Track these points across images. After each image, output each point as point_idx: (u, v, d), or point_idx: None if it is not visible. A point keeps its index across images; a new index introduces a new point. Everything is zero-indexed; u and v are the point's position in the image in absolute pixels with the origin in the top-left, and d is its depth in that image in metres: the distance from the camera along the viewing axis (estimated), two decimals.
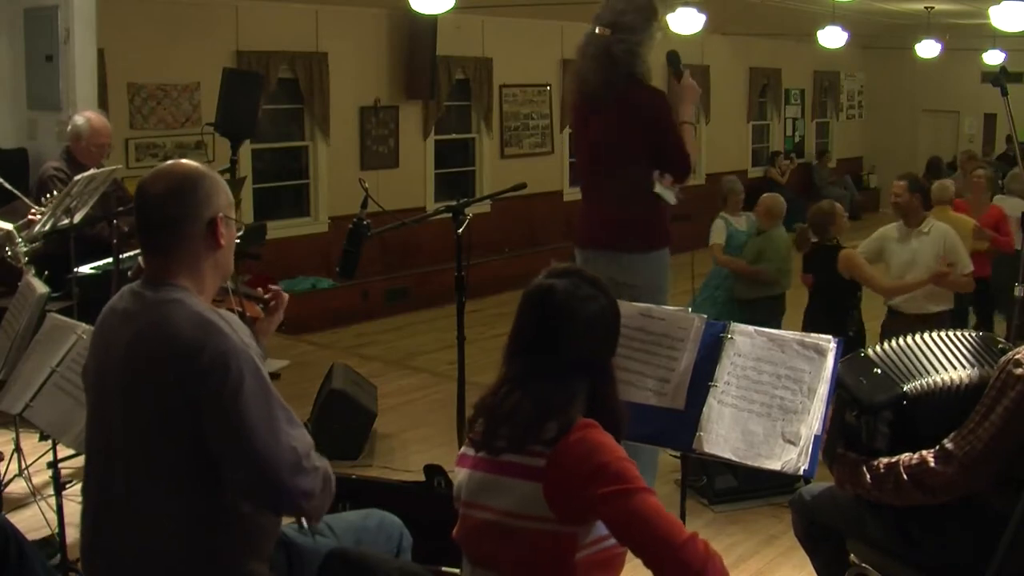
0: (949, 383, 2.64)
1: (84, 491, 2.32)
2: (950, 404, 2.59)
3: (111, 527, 2.20)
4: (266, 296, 2.75)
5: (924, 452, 2.53)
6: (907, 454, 2.57)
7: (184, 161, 2.32)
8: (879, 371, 2.72)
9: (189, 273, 2.21)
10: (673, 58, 4.29)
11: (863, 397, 2.67)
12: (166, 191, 2.21)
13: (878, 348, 2.83)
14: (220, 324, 2.13)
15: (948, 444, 2.48)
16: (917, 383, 2.66)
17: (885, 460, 2.62)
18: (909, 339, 2.81)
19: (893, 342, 2.82)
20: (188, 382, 2.07)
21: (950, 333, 2.82)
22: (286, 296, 2.77)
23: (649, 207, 4.24)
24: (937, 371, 2.68)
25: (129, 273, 4.34)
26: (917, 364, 2.72)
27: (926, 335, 2.81)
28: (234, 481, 2.12)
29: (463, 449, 2.24)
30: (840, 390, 2.73)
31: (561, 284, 2.18)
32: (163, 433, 2.11)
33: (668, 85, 4.34)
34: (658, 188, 4.21)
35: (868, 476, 2.63)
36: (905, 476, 2.54)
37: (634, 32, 4.16)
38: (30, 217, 4.74)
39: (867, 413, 2.66)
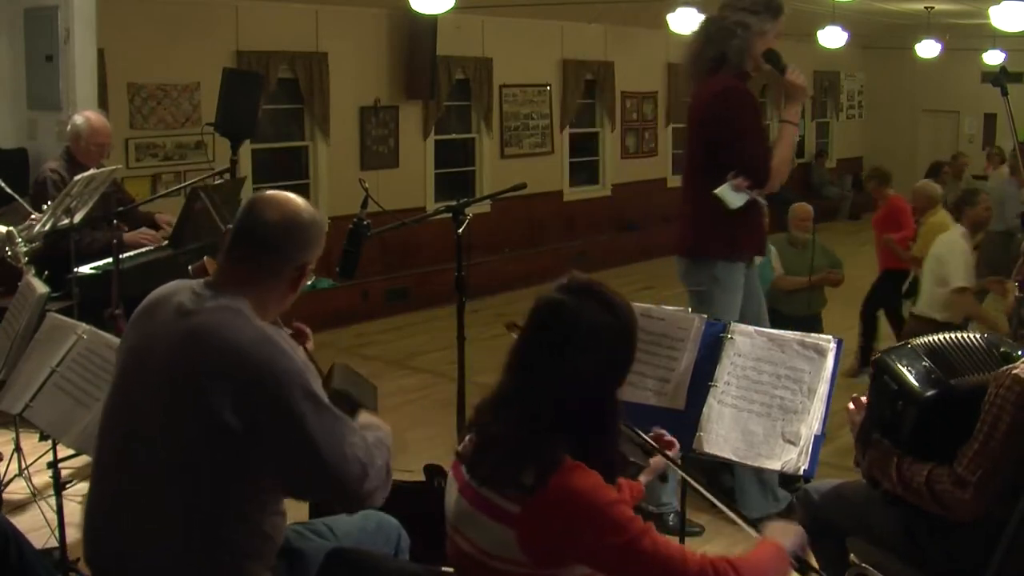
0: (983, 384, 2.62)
1: (95, 475, 2.30)
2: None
3: (121, 516, 2.20)
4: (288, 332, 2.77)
5: (946, 471, 2.51)
6: (934, 464, 2.55)
7: (303, 201, 2.35)
8: (926, 364, 2.68)
9: (257, 298, 2.22)
10: (771, 56, 3.96)
11: (912, 388, 2.63)
12: (279, 219, 2.26)
13: (923, 340, 2.78)
14: (280, 342, 2.15)
15: (960, 469, 2.46)
16: (962, 379, 2.63)
17: (914, 463, 2.60)
18: (952, 336, 2.78)
19: (936, 337, 2.78)
20: (246, 396, 2.07)
21: (977, 335, 2.80)
22: (308, 333, 2.80)
23: (702, 210, 4.01)
24: (979, 371, 2.66)
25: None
26: (961, 361, 2.69)
27: (965, 335, 2.79)
28: (305, 493, 2.23)
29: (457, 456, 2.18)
30: (885, 377, 2.70)
31: (570, 301, 2.04)
32: (197, 437, 2.09)
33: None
34: (719, 189, 3.88)
35: (896, 471, 2.62)
36: (926, 488, 2.53)
37: (736, 11, 3.92)
38: (30, 222, 4.75)
39: (913, 404, 2.62)
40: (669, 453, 2.43)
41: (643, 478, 2.47)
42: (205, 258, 4.50)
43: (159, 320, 2.22)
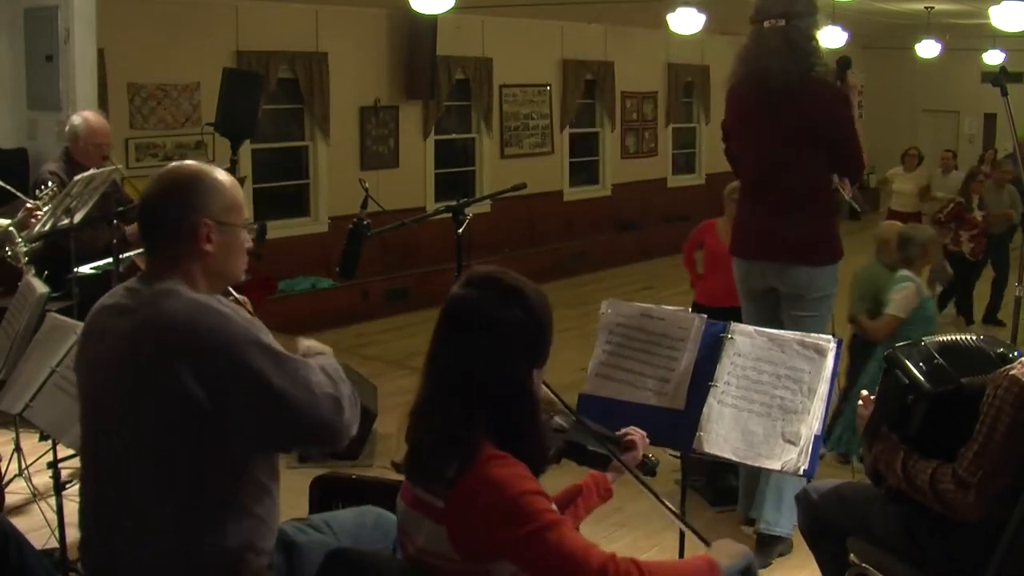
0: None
1: (81, 484, 2.33)
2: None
3: (103, 517, 2.22)
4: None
5: (950, 471, 2.51)
6: (939, 462, 2.56)
7: (186, 164, 2.33)
8: (938, 361, 2.68)
9: (182, 271, 2.22)
10: (844, 63, 4.13)
11: (922, 383, 2.63)
12: (158, 191, 2.26)
13: (935, 339, 2.79)
14: (217, 306, 2.16)
15: (960, 471, 2.47)
16: (972, 379, 2.62)
17: (919, 460, 2.60)
18: (964, 336, 2.79)
19: (948, 336, 2.79)
20: (205, 368, 2.07)
21: (981, 336, 2.81)
22: (246, 301, 2.80)
23: (817, 215, 4.11)
24: (989, 371, 2.66)
25: (121, 269, 4.36)
26: (973, 360, 2.68)
27: (975, 336, 2.79)
28: (289, 444, 2.22)
29: None
30: (897, 372, 2.70)
31: (473, 294, 2.05)
32: (165, 423, 2.10)
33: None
34: (847, 195, 4.16)
35: (901, 466, 2.62)
36: (930, 487, 2.53)
37: (802, 18, 4.09)
38: (28, 207, 4.73)
39: (923, 399, 2.62)
40: (624, 456, 2.42)
41: (611, 475, 2.48)
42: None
43: (102, 329, 2.24)
